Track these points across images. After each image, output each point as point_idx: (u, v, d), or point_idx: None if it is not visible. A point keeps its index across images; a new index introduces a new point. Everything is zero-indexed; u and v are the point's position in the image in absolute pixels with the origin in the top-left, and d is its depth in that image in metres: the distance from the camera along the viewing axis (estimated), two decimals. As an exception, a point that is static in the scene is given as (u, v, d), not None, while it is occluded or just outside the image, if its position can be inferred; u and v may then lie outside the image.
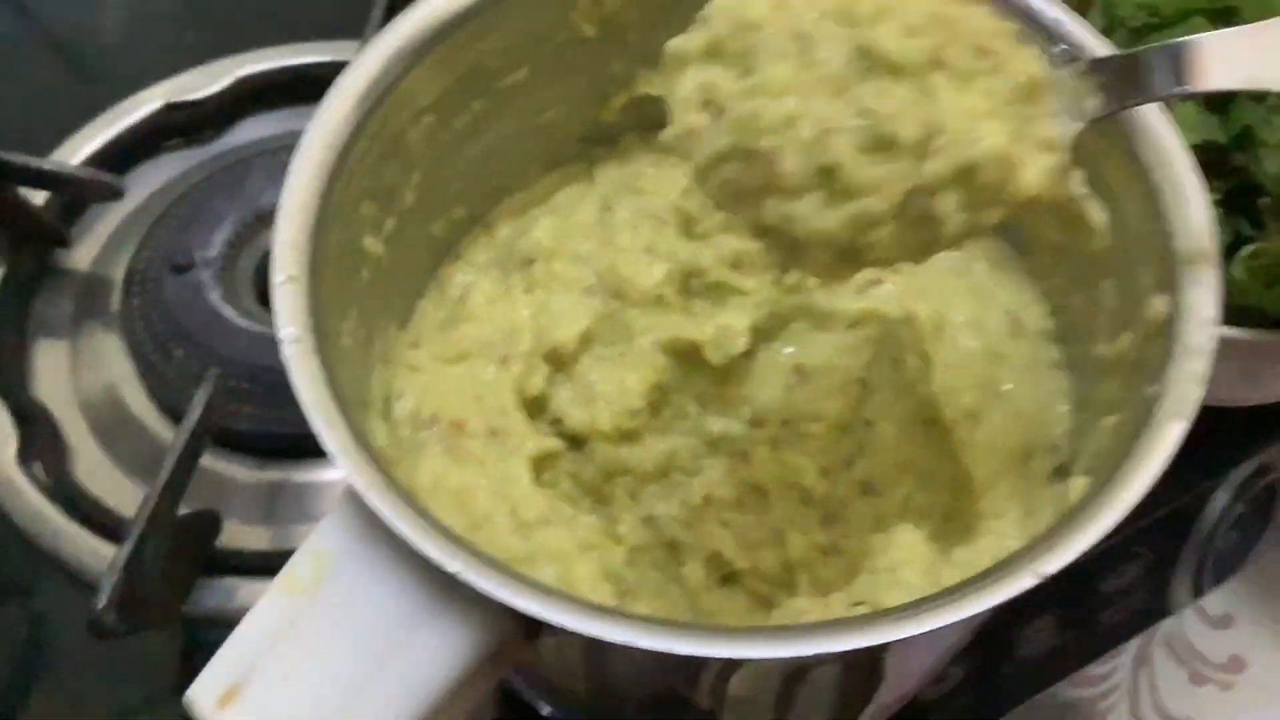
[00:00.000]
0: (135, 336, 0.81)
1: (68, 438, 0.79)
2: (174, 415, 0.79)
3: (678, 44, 0.46)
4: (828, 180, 0.42)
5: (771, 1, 0.44)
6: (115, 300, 0.84)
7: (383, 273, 0.57)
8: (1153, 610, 0.85)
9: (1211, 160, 0.69)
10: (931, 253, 0.45)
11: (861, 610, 0.52)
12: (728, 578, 0.60)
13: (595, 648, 0.48)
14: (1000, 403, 0.57)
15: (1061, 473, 0.55)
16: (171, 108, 0.93)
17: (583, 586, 0.53)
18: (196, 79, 0.94)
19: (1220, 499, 0.82)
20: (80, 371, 0.82)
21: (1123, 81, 0.47)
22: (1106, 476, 0.45)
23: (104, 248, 0.88)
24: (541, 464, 0.58)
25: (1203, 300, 0.47)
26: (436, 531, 0.43)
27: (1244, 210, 0.69)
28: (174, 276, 0.82)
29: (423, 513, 0.44)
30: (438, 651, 0.44)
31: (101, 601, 0.63)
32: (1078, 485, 0.50)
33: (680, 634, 0.40)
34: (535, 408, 0.59)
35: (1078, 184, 0.55)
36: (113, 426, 0.80)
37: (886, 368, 0.59)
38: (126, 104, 0.93)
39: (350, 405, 0.48)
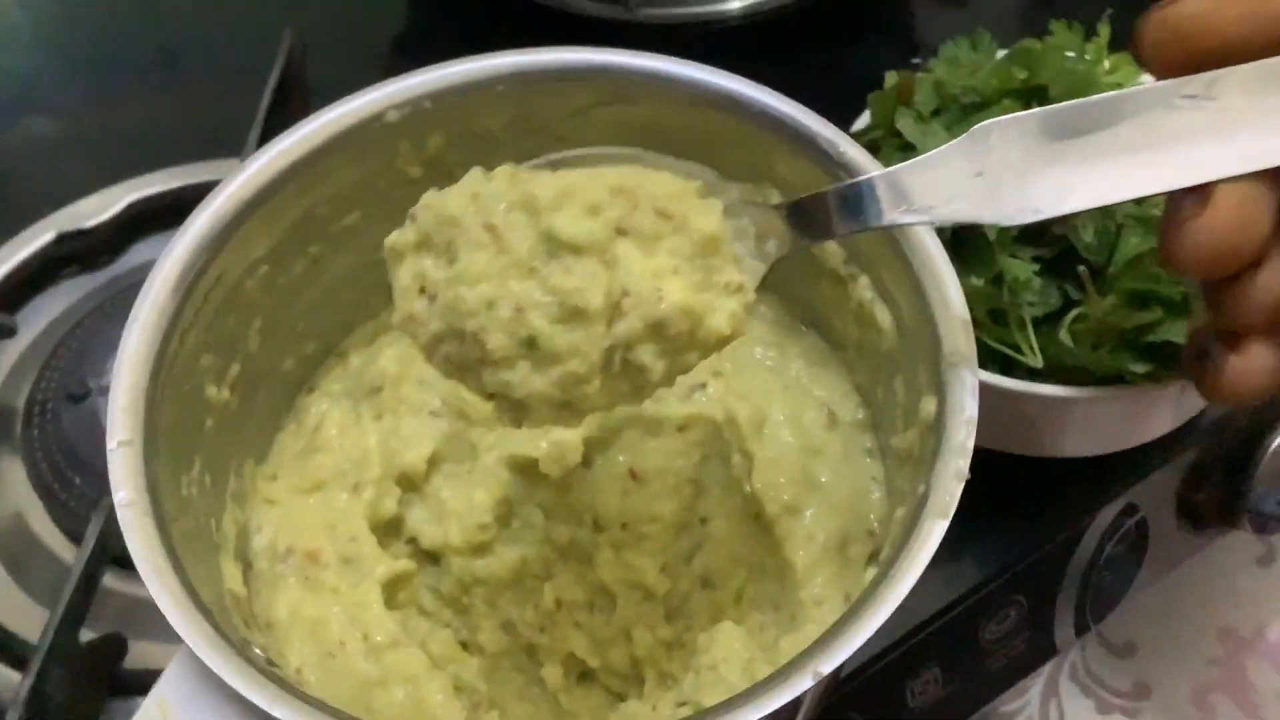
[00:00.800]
0: (36, 465, 0.84)
1: None
2: (78, 540, 0.81)
3: (394, 239, 0.52)
4: (531, 350, 0.47)
5: (466, 196, 0.50)
6: (18, 428, 0.87)
7: (230, 416, 0.60)
8: (1039, 652, 0.88)
9: (1033, 230, 0.74)
10: (645, 395, 0.50)
11: (684, 711, 0.56)
12: (584, 675, 0.63)
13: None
14: (818, 494, 0.60)
15: (876, 556, 0.59)
16: (63, 238, 0.96)
17: (434, 701, 0.56)
18: (87, 207, 0.97)
19: (1090, 540, 0.85)
20: None
21: (802, 222, 0.52)
22: (882, 572, 0.48)
23: (6, 378, 0.91)
24: (396, 585, 0.61)
25: (963, 400, 0.51)
26: (265, 679, 0.47)
27: (1068, 276, 0.72)
28: (71, 405, 0.85)
29: (251, 662, 0.47)
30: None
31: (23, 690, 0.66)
32: (870, 576, 0.54)
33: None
34: (390, 530, 0.63)
35: (866, 288, 0.59)
36: (20, 553, 0.83)
37: (716, 466, 0.63)
38: (18, 238, 0.96)
39: (190, 552, 0.52)
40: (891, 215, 0.49)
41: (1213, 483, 0.89)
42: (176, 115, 1.05)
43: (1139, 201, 0.73)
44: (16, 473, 0.86)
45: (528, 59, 0.61)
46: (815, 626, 0.57)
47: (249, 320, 0.61)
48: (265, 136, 0.89)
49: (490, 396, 0.49)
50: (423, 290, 0.50)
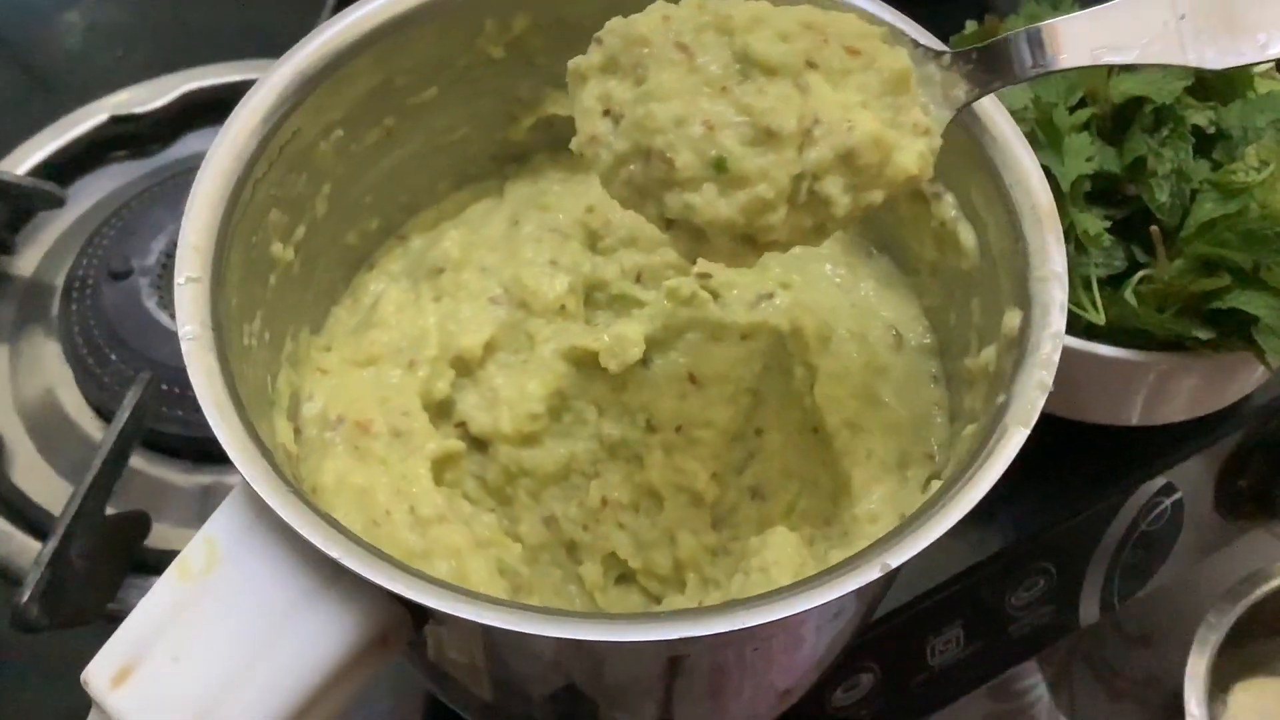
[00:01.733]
0: (73, 341, 0.83)
1: (4, 438, 0.81)
2: (108, 418, 0.81)
3: (577, 62, 0.51)
4: (720, 171, 0.47)
5: (657, 18, 0.50)
6: (55, 306, 0.86)
7: (293, 279, 0.59)
8: (1062, 624, 0.87)
9: (1105, 189, 0.73)
10: (825, 234, 0.49)
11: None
12: (622, 577, 0.62)
13: (476, 636, 0.51)
14: (880, 413, 0.59)
15: (935, 478, 0.58)
16: (117, 120, 0.95)
17: (476, 580, 0.55)
18: (142, 93, 0.97)
19: (1125, 517, 0.84)
20: (19, 375, 0.85)
21: (985, 68, 0.52)
22: (954, 478, 0.47)
23: (46, 255, 0.90)
24: (443, 465, 0.60)
25: (1051, 314, 0.50)
26: (321, 520, 0.46)
27: (1137, 238, 0.72)
28: (112, 283, 0.85)
29: (309, 503, 0.46)
30: (321, 636, 0.46)
31: (24, 595, 0.65)
32: (933, 488, 0.53)
33: (532, 617, 0.43)
34: (440, 411, 0.62)
35: (951, 207, 0.58)
36: (49, 429, 0.82)
37: (776, 378, 0.62)
38: (75, 115, 0.95)
39: (248, 402, 0.51)
40: (1083, 55, 0.49)
41: (1254, 470, 0.88)
42: (239, 9, 1.04)
43: (1216, 167, 0.72)
44: (51, 349, 0.85)
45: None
46: (867, 543, 0.55)
47: (319, 183, 0.60)
48: None
49: (669, 224, 0.48)
50: (607, 112, 0.49)
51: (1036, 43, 0.51)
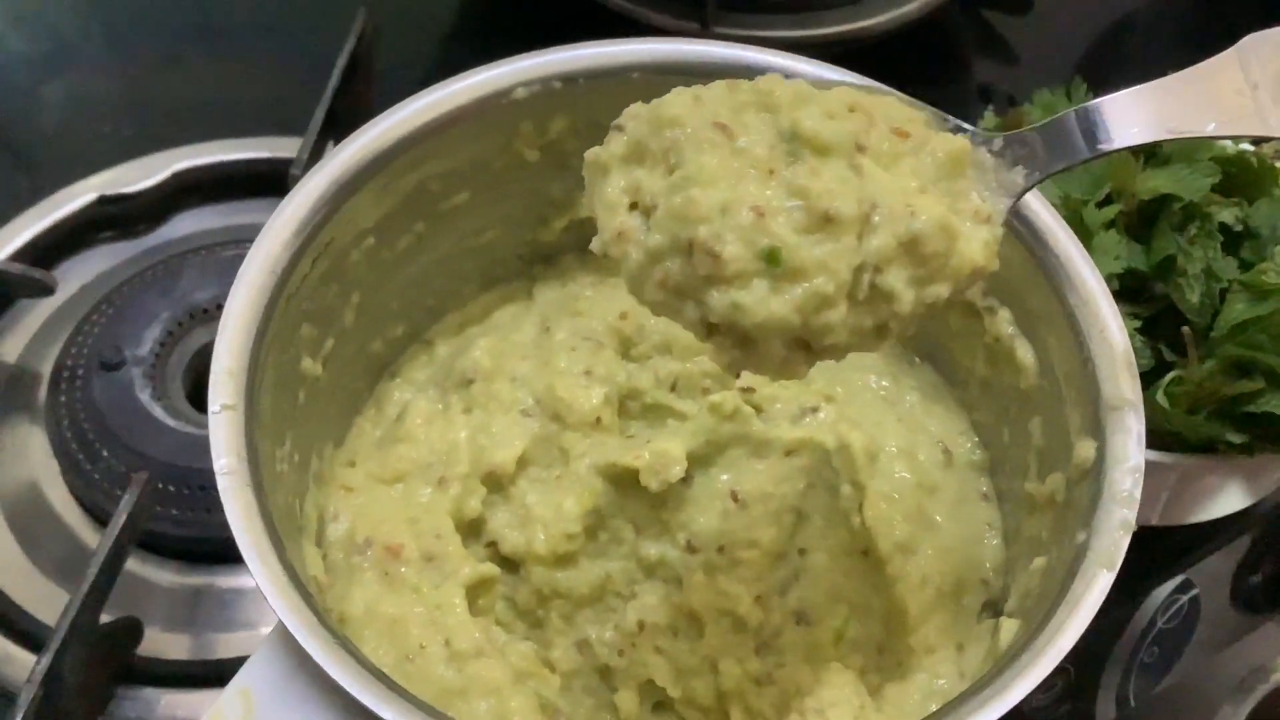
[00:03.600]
0: (61, 433, 0.79)
1: None
2: (97, 516, 0.77)
3: (596, 152, 0.46)
4: (772, 264, 0.41)
5: (688, 98, 0.44)
6: (42, 394, 0.82)
7: (320, 393, 0.57)
8: None
9: (1133, 287, 0.71)
10: (886, 337, 0.44)
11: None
12: (659, 705, 0.59)
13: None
14: (933, 535, 0.57)
15: (991, 607, 0.56)
16: (104, 200, 0.91)
17: (519, 719, 0.52)
18: (131, 172, 0.93)
19: (1144, 615, 0.83)
20: (2, 466, 0.80)
21: (1042, 151, 0.47)
22: (1037, 623, 0.45)
23: (32, 340, 0.86)
24: (478, 590, 0.57)
25: (1129, 447, 0.48)
26: (370, 675, 0.43)
27: (1165, 337, 0.70)
28: (103, 373, 0.81)
29: (354, 654, 0.43)
30: (366, 797, 0.43)
31: (19, 716, 0.61)
32: (1009, 627, 0.51)
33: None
34: (471, 531, 0.59)
35: (1006, 323, 0.56)
36: (33, 524, 0.78)
37: (821, 496, 0.60)
38: (60, 195, 0.91)
39: (283, 536, 0.48)
40: (1154, 130, 0.46)
41: (1270, 564, 0.87)
42: (233, 86, 1.01)
43: (1246, 267, 0.71)
44: (37, 440, 0.81)
45: (668, 47, 0.59)
46: (926, 675, 0.53)
47: (349, 293, 0.57)
48: (331, 116, 0.86)
49: (711, 330, 0.42)
50: (634, 206, 0.43)
51: (1098, 120, 0.47)
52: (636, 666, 0.58)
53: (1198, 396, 0.67)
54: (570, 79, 0.58)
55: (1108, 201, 0.73)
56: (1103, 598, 0.45)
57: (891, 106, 0.46)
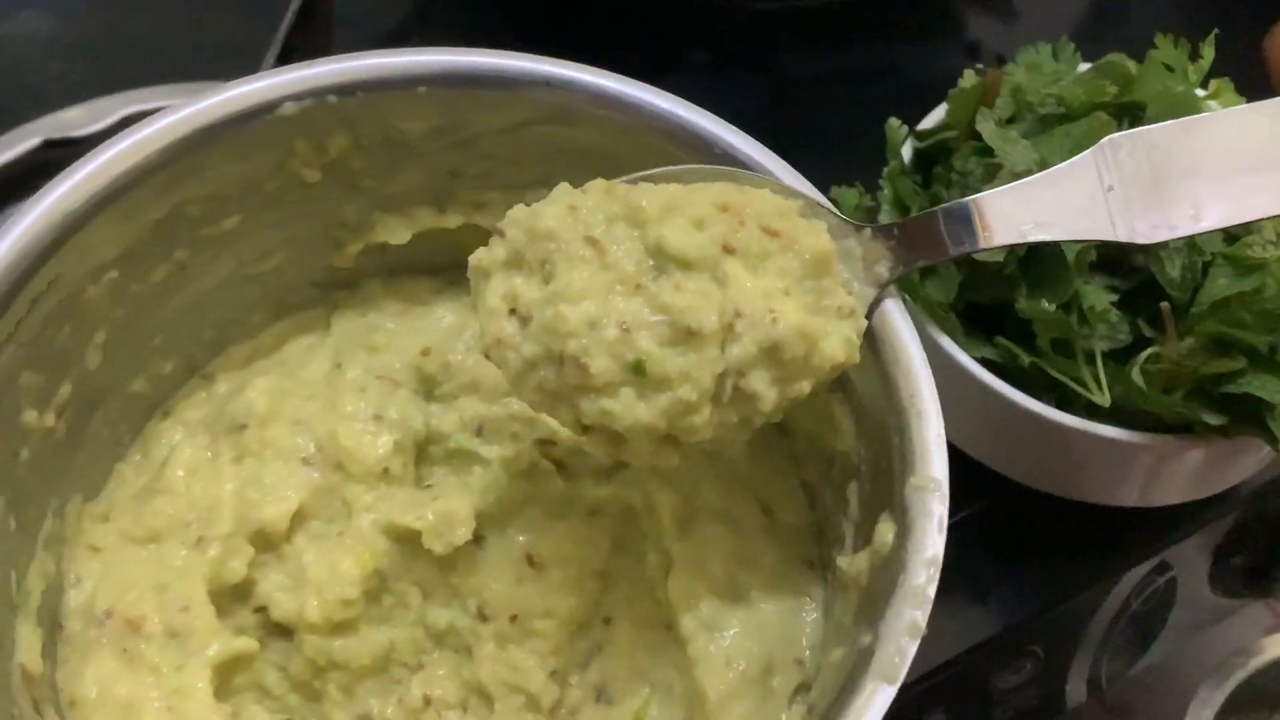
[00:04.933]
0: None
1: None
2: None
3: (480, 257, 0.46)
4: (638, 375, 0.43)
5: (562, 209, 0.45)
6: None
7: (55, 445, 0.51)
8: (1049, 707, 0.81)
9: (1113, 258, 0.66)
10: (752, 428, 0.46)
11: None
12: (448, 788, 0.54)
13: None
14: (743, 611, 0.51)
15: (805, 689, 0.50)
16: (50, 144, 0.83)
17: (261, 819, 0.47)
18: (80, 115, 0.85)
19: (1117, 597, 0.79)
20: None
21: (910, 245, 0.48)
22: (811, 743, 0.39)
23: None
24: (232, 667, 0.51)
25: (929, 534, 0.42)
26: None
27: (1144, 312, 0.65)
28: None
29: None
30: None
31: None
32: (799, 707, 0.45)
33: None
34: (237, 594, 0.53)
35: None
36: None
37: (628, 561, 0.54)
38: (5, 138, 0.83)
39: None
40: (1010, 234, 0.47)
41: (1250, 549, 0.83)
42: (185, 28, 0.92)
43: (1231, 240, 0.66)
44: None
45: (460, 59, 0.52)
46: (725, 769, 0.48)
47: (89, 333, 0.51)
48: (283, 58, 0.80)
49: (586, 429, 0.45)
50: (513, 312, 0.45)
51: (964, 220, 0.48)
52: None
53: (1175, 375, 0.62)
54: (346, 91, 0.52)
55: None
56: (881, 713, 0.39)
57: (765, 201, 0.47)
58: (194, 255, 0.53)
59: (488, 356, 0.46)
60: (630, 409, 0.43)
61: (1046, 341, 0.61)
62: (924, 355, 0.46)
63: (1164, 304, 0.62)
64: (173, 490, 0.53)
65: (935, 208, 0.48)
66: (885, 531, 0.44)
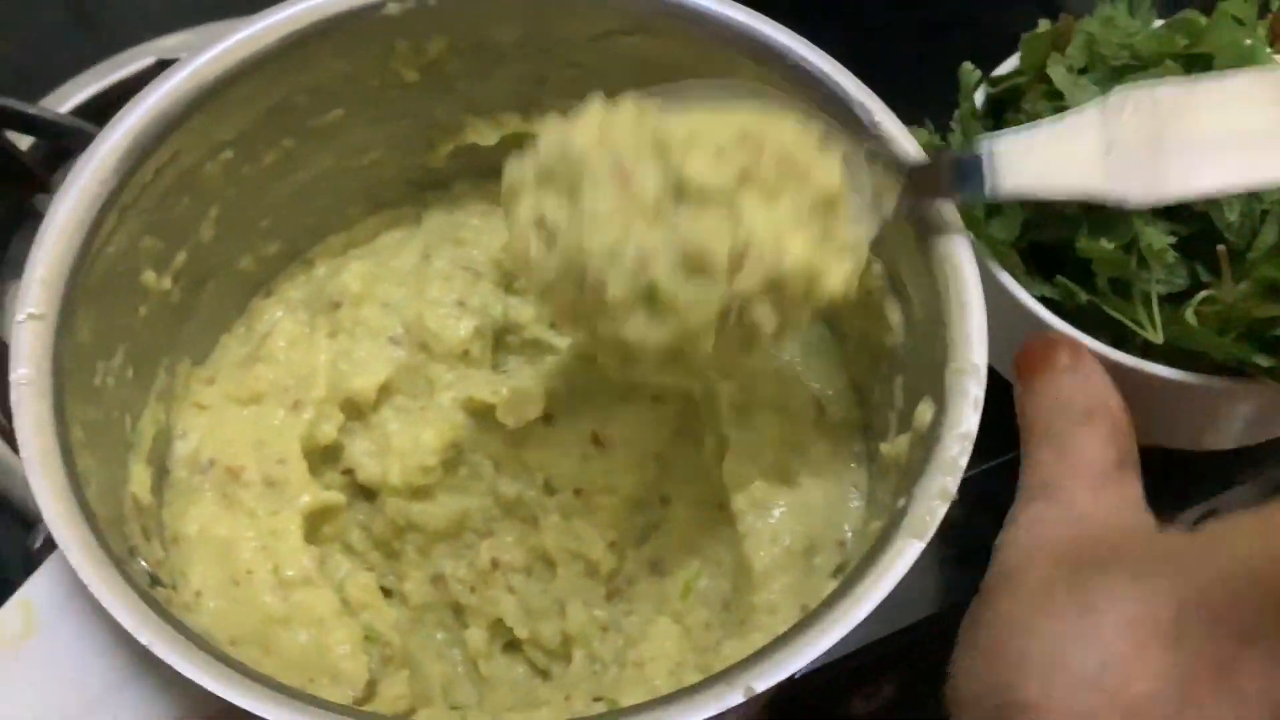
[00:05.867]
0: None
1: None
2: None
3: (513, 172, 0.48)
4: (650, 300, 0.45)
5: (594, 133, 0.47)
6: None
7: (170, 307, 0.55)
8: None
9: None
10: (752, 351, 0.48)
11: (599, 707, 0.51)
12: (509, 645, 0.58)
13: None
14: (793, 494, 0.55)
15: (844, 569, 0.54)
16: (162, 65, 0.86)
17: (336, 655, 0.51)
18: (191, 39, 0.89)
19: None
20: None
21: (921, 184, 0.49)
22: (841, 589, 0.43)
23: None
24: (320, 517, 0.56)
25: (964, 411, 0.45)
26: (138, 598, 0.42)
27: (1201, 257, 0.67)
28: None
29: (129, 578, 0.42)
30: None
31: (38, 541, 0.62)
32: (828, 588, 0.48)
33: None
34: (327, 456, 0.58)
35: (878, 276, 0.54)
36: None
37: (686, 446, 0.58)
38: (120, 57, 0.89)
39: (93, 448, 0.47)
40: (1011, 184, 0.48)
41: None
42: None
43: None
44: None
45: (551, -31, 0.56)
46: (763, 635, 0.51)
47: (204, 206, 0.55)
48: None
49: (599, 344, 0.48)
50: (540, 229, 0.47)
51: (972, 167, 0.49)
52: (488, 605, 0.57)
53: (1228, 317, 0.63)
54: (447, -6, 0.55)
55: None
56: (907, 568, 0.42)
57: (784, 130, 0.48)
58: (300, 144, 0.58)
59: (516, 270, 0.49)
60: (642, 332, 0.46)
61: (1105, 281, 0.62)
62: (971, 255, 0.49)
63: (1220, 247, 0.64)
64: (273, 358, 0.58)
65: (948, 150, 0.49)
66: (925, 412, 0.47)
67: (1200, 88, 0.49)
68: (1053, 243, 0.62)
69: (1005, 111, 0.67)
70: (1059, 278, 0.62)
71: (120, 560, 0.43)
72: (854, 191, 0.48)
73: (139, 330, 0.53)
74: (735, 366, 0.51)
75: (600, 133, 0.47)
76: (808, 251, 0.46)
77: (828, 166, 0.47)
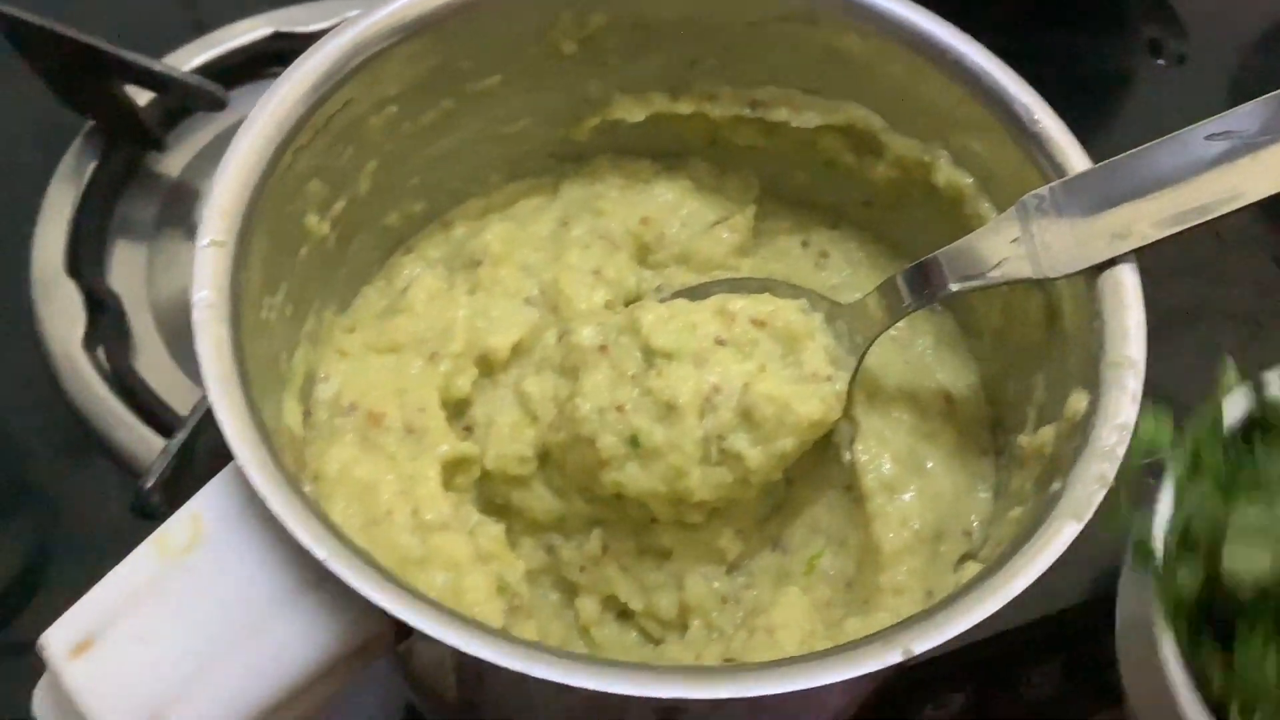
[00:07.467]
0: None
1: (135, 332, 0.79)
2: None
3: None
4: (635, 448, 0.53)
5: (592, 329, 0.57)
6: (198, 210, 0.80)
7: (325, 253, 0.57)
8: None
9: None
10: (751, 486, 0.54)
11: (728, 665, 0.52)
12: (622, 614, 0.59)
13: (458, 660, 0.48)
14: (921, 479, 0.56)
15: (969, 559, 0.54)
16: (278, 36, 0.90)
17: (471, 598, 0.52)
18: (306, 13, 0.92)
19: None
20: (156, 271, 0.82)
21: (884, 306, 0.55)
22: (996, 565, 0.44)
23: (196, 157, 0.87)
24: (455, 468, 0.57)
25: (1122, 403, 0.46)
26: (314, 516, 0.43)
27: None
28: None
29: (302, 497, 0.43)
30: (298, 637, 0.44)
31: (149, 481, 0.64)
32: (970, 570, 0.49)
33: (520, 652, 0.40)
34: (456, 411, 0.59)
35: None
36: (180, 329, 0.79)
37: (815, 429, 0.59)
38: (238, 26, 0.91)
39: (256, 379, 0.48)
40: (956, 283, 0.53)
41: None
42: None
43: None
44: (189, 252, 0.76)
45: (718, -48, 0.57)
46: (888, 615, 0.52)
47: (365, 159, 0.57)
48: None
49: (609, 500, 0.56)
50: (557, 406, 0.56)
51: (920, 279, 0.54)
52: (600, 584, 0.58)
53: None
54: (614, -29, 0.57)
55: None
56: (1064, 547, 0.43)
57: (762, 303, 0.56)
58: (458, 106, 0.59)
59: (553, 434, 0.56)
60: (635, 478, 0.53)
61: None
62: (1137, 278, 0.49)
63: None
64: (413, 311, 0.59)
65: (896, 274, 0.55)
66: (1077, 401, 0.48)
67: (1117, 164, 0.51)
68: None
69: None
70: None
71: (293, 480, 0.44)
72: (835, 339, 0.56)
73: (299, 270, 0.55)
74: (737, 494, 0.55)
75: (603, 344, 0.56)
76: (771, 384, 0.53)
77: (796, 316, 0.55)
